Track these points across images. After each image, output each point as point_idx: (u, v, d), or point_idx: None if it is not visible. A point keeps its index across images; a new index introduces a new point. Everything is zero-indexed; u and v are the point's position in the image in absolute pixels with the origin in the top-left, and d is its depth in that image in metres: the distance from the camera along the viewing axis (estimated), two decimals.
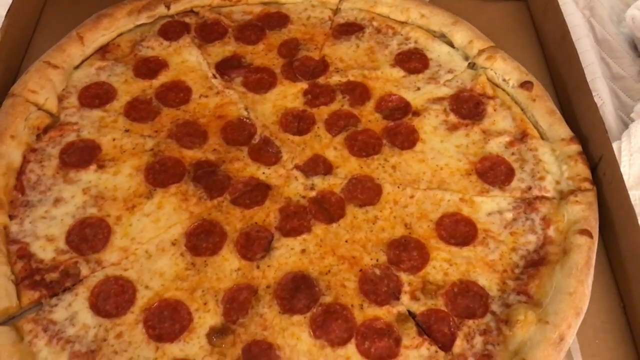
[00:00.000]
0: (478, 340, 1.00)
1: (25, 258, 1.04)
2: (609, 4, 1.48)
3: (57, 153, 1.17)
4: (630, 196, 1.10)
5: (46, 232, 1.07)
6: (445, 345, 0.99)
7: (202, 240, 1.08)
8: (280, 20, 1.41)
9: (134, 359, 0.96)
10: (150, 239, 1.08)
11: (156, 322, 0.99)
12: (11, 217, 1.08)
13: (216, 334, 0.98)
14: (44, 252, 1.05)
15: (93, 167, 1.16)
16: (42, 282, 1.02)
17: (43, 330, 0.97)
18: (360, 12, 1.43)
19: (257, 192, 1.15)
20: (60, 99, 1.24)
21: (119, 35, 1.35)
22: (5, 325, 0.97)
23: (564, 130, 1.22)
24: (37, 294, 1.01)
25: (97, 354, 0.96)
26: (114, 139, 1.20)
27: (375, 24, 1.42)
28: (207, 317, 1.00)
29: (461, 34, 1.37)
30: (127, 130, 1.21)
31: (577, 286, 1.02)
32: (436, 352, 0.98)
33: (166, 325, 0.99)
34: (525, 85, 1.28)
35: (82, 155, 1.17)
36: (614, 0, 1.49)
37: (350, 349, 0.98)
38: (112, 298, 1.01)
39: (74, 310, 1.00)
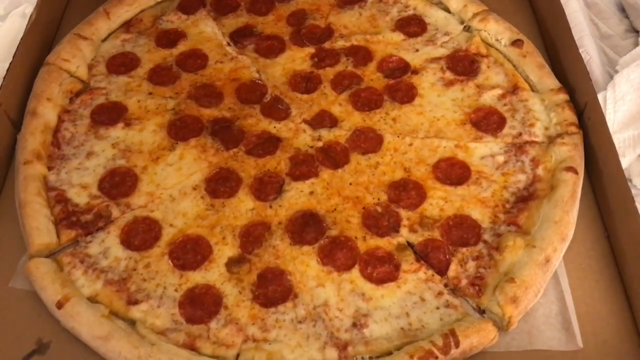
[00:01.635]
0: (471, 265, 1.09)
1: (63, 202, 1.16)
2: None
3: (88, 113, 1.29)
4: (615, 140, 1.19)
5: (80, 180, 1.19)
6: (441, 270, 1.09)
7: (220, 184, 1.19)
8: None
9: (161, 284, 1.07)
10: (174, 185, 1.19)
11: (180, 254, 1.10)
12: (49, 169, 1.20)
13: (234, 263, 1.09)
14: (79, 197, 1.17)
15: (121, 124, 1.28)
16: (78, 223, 1.14)
17: (80, 261, 1.09)
18: None
19: (269, 143, 1.26)
20: (90, 67, 1.37)
21: (142, 11, 1.48)
22: (47, 258, 1.09)
23: (552, 82, 1.31)
24: (73, 232, 1.13)
25: (128, 282, 1.07)
26: (138, 101, 1.32)
27: None
28: (226, 249, 1.11)
29: (456, 0, 1.47)
30: (150, 93, 1.34)
31: (562, 215, 1.11)
32: (432, 275, 1.08)
33: (189, 256, 1.10)
34: (516, 43, 1.37)
35: (111, 114, 1.29)
36: None
37: (354, 273, 1.08)
38: (141, 235, 1.13)
39: (107, 246, 1.12)
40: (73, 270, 1.08)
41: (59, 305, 1.02)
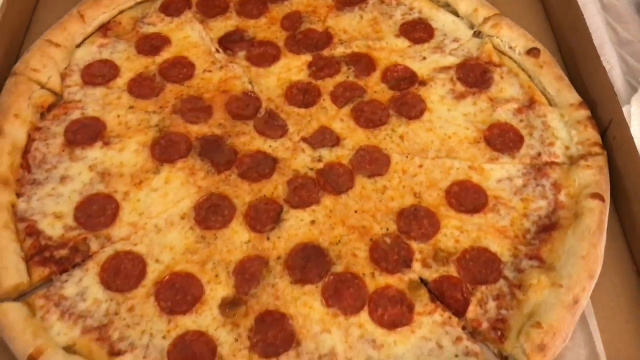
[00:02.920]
0: (492, 306, 0.99)
1: (34, 235, 1.04)
2: None
3: (62, 131, 1.16)
4: None
5: (54, 209, 1.07)
6: (459, 311, 0.99)
7: (211, 213, 1.08)
8: None
9: (147, 331, 0.95)
10: (159, 214, 1.07)
11: (168, 295, 0.99)
12: (18, 196, 1.08)
13: (229, 306, 0.98)
14: (53, 229, 1.05)
15: (99, 144, 1.15)
16: (52, 259, 1.02)
17: (55, 305, 0.97)
18: None
19: (265, 165, 1.14)
20: (63, 77, 1.24)
21: (120, 12, 1.35)
22: (17, 302, 0.97)
23: (572, 96, 1.21)
24: (47, 270, 1.00)
25: (110, 328, 0.95)
26: (118, 116, 1.19)
27: None
28: (219, 289, 1.00)
29: (466, 3, 1.35)
30: (131, 107, 1.21)
31: (590, 249, 1.01)
32: (450, 318, 0.98)
33: (178, 298, 0.98)
34: (532, 52, 1.27)
35: (88, 132, 1.16)
36: None
37: (364, 316, 0.98)
38: (123, 273, 1.01)
39: (85, 286, 1.00)
40: (47, 315, 0.96)
41: (32, 359, 0.89)
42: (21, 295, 0.99)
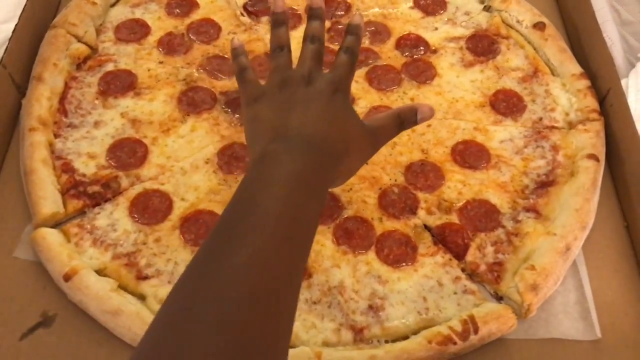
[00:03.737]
0: (489, 250, 1.07)
1: (69, 172, 1.12)
2: None
3: (96, 81, 1.24)
4: (638, 127, 1.16)
5: (88, 150, 1.15)
6: (459, 254, 1.07)
7: (232, 159, 1.16)
8: None
9: (172, 260, 1.04)
10: (185, 158, 1.16)
11: (192, 229, 1.07)
12: (56, 136, 1.16)
13: None
14: (86, 167, 1.13)
15: (130, 93, 1.23)
16: (85, 193, 1.10)
17: (88, 233, 1.05)
18: None
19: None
20: (98, 32, 1.32)
21: None
22: (53, 229, 1.05)
23: (574, 67, 1.29)
24: (80, 202, 1.09)
25: (138, 255, 1.04)
26: (149, 70, 1.27)
27: None
28: None
29: None
30: (161, 62, 1.29)
31: (583, 203, 1.09)
32: (450, 260, 1.06)
33: (201, 232, 1.07)
34: (538, 25, 1.34)
35: (120, 83, 1.24)
36: None
37: (370, 255, 1.06)
38: (151, 208, 1.09)
39: (116, 218, 1.08)
40: (80, 241, 1.05)
41: (67, 278, 0.98)
42: (57, 224, 1.07)
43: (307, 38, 0.93)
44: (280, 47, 0.93)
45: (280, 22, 0.95)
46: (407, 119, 0.90)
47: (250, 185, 0.76)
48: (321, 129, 0.83)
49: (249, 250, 0.63)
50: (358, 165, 0.90)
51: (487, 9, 1.41)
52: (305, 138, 0.81)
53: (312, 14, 0.95)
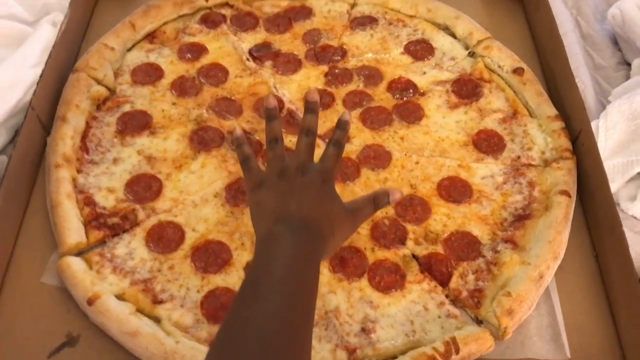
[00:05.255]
0: (471, 278, 1.18)
1: (91, 205, 1.24)
2: (593, 3, 1.67)
3: (115, 121, 1.37)
4: (605, 166, 1.28)
5: (107, 184, 1.27)
6: (443, 281, 1.18)
7: (239, 193, 1.27)
8: (304, 12, 1.61)
9: (184, 285, 1.15)
10: (196, 192, 1.28)
11: (202, 258, 1.18)
12: (78, 172, 1.27)
13: None
14: (106, 200, 1.25)
15: (146, 132, 1.36)
16: (106, 224, 1.21)
17: (108, 261, 1.17)
18: (375, 6, 1.63)
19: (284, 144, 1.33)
20: (116, 75, 1.45)
21: (165, 23, 1.55)
22: (77, 257, 1.17)
23: (550, 109, 1.41)
24: (101, 233, 1.20)
25: (154, 282, 1.15)
26: (162, 110, 1.40)
27: (387, 17, 1.62)
28: (244, 254, 1.19)
29: (462, 27, 1.56)
30: (174, 104, 1.42)
31: (555, 235, 1.20)
32: (435, 286, 1.17)
33: (210, 260, 1.18)
34: (517, 70, 1.47)
35: (136, 123, 1.36)
36: (598, 1, 1.68)
37: (363, 282, 1.17)
38: (165, 238, 1.20)
39: (133, 247, 1.19)
40: (101, 269, 1.16)
41: (90, 302, 1.09)
42: (80, 252, 1.18)
43: (303, 131, 1.08)
44: (274, 139, 1.09)
45: (273, 116, 1.09)
46: (381, 201, 1.05)
47: (263, 259, 0.93)
48: (313, 214, 0.99)
49: (270, 309, 0.81)
50: (341, 242, 1.05)
51: (472, 54, 1.54)
52: (302, 220, 0.97)
53: (308, 107, 1.09)
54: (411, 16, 1.61)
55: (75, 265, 1.14)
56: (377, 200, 1.05)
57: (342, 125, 1.10)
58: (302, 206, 0.99)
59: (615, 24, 1.58)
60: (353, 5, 1.64)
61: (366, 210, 1.05)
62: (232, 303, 0.88)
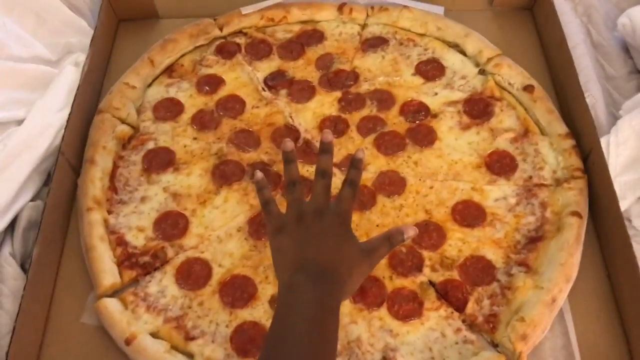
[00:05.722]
0: (486, 303, 1.23)
1: (123, 245, 1.31)
2: (604, 11, 1.67)
3: (140, 159, 1.43)
4: (616, 183, 1.31)
5: (137, 223, 1.34)
6: (459, 307, 1.23)
7: (261, 227, 1.33)
8: (316, 37, 1.65)
9: (214, 321, 1.22)
10: (220, 227, 1.34)
11: (229, 292, 1.24)
12: (109, 212, 1.35)
13: (276, 301, 1.24)
14: (137, 239, 1.32)
15: (170, 169, 1.42)
16: (137, 264, 1.28)
17: (142, 300, 1.24)
18: (385, 26, 1.66)
19: (304, 186, 1.39)
20: (138, 113, 1.50)
21: (182, 56, 1.61)
22: (113, 298, 1.24)
23: (560, 127, 1.44)
24: (134, 272, 1.27)
25: (185, 318, 1.22)
26: (185, 146, 1.46)
27: (397, 37, 1.64)
28: (269, 288, 1.26)
29: (472, 44, 1.59)
30: (195, 138, 1.47)
31: (567, 258, 1.24)
32: (452, 313, 1.23)
33: (237, 295, 1.24)
34: (528, 88, 1.50)
35: (161, 160, 1.42)
36: (609, 8, 1.68)
37: (383, 311, 1.23)
38: (194, 274, 1.27)
39: (164, 285, 1.26)
40: (136, 308, 1.23)
41: (128, 342, 1.17)
42: (115, 292, 1.26)
43: (319, 172, 1.13)
44: (292, 182, 1.14)
45: (291, 159, 1.15)
46: (396, 239, 1.10)
47: (286, 312, 0.98)
48: (331, 259, 1.04)
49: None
50: (359, 283, 1.10)
51: (482, 72, 1.56)
52: (320, 267, 1.03)
53: (323, 148, 1.14)
54: (421, 34, 1.64)
55: (111, 306, 1.22)
56: (392, 239, 1.10)
57: (356, 164, 1.15)
58: (320, 252, 1.05)
59: (625, 33, 1.59)
60: (364, 27, 1.67)
61: (382, 250, 1.10)
62: (260, 355, 0.94)
